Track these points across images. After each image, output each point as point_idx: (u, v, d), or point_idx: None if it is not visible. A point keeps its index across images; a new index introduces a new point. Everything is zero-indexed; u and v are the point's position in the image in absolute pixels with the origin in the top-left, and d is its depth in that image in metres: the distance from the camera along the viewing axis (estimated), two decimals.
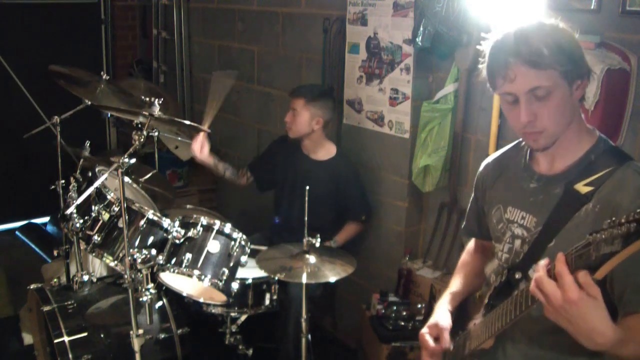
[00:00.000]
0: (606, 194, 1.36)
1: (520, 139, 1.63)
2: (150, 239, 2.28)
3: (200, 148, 3.02)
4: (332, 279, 2.29)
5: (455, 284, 1.80)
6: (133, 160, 2.06)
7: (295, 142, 3.12)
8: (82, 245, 2.53)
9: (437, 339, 1.63)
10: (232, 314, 2.65)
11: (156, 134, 3.18)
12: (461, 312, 1.73)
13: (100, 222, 2.30)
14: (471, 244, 1.91)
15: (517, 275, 1.49)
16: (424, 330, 1.67)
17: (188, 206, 3.39)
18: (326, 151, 3.09)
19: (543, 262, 1.20)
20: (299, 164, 3.12)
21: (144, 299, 2.14)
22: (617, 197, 1.34)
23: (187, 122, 2.59)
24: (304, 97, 3.00)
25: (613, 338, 1.17)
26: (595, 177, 1.39)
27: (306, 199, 2.34)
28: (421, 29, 2.68)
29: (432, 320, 1.68)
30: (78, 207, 2.28)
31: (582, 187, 1.40)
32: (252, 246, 2.47)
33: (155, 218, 2.29)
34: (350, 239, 3.08)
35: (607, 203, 1.35)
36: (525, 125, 1.40)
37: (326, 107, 3.03)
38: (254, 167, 3.35)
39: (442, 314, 1.68)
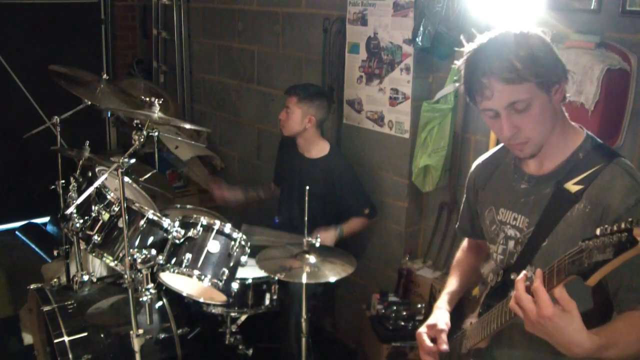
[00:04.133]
0: (596, 194, 1.37)
1: None
2: (150, 239, 2.28)
3: (222, 196, 3.30)
4: (332, 279, 2.29)
5: (452, 283, 1.81)
6: (133, 160, 2.06)
7: (292, 142, 3.14)
8: (82, 245, 2.53)
9: (434, 340, 1.64)
10: (232, 314, 2.65)
11: (156, 134, 3.18)
12: (457, 311, 1.74)
13: (100, 222, 2.30)
14: (465, 242, 1.92)
15: (513, 276, 1.50)
16: (422, 329, 1.67)
17: (188, 206, 3.38)
18: (319, 149, 3.10)
19: (521, 277, 1.24)
20: (295, 162, 3.15)
21: (144, 299, 2.14)
22: (606, 197, 1.36)
23: (187, 126, 2.59)
24: (297, 95, 3.03)
25: (591, 347, 1.20)
26: (584, 175, 1.41)
27: (306, 198, 2.34)
28: (421, 29, 2.69)
29: (430, 320, 1.68)
30: (78, 207, 2.28)
31: (571, 186, 1.41)
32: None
33: (155, 218, 2.29)
34: (357, 231, 3.05)
35: (597, 203, 1.36)
36: (509, 137, 1.41)
37: (319, 106, 3.03)
38: (276, 179, 3.45)
39: (441, 316, 1.68)
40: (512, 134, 1.40)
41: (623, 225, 1.01)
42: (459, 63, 1.45)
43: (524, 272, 1.25)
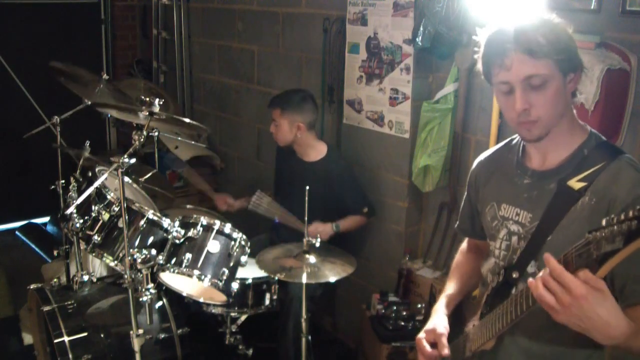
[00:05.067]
0: (602, 187, 1.37)
1: (512, 137, 1.64)
2: (150, 239, 2.28)
3: (228, 207, 3.39)
4: (332, 279, 2.29)
5: (451, 286, 1.79)
6: (133, 160, 2.06)
7: (289, 148, 3.15)
8: (82, 245, 2.53)
9: (434, 345, 1.63)
10: (232, 314, 2.65)
11: (156, 134, 3.18)
12: (458, 313, 1.73)
13: (100, 222, 2.30)
14: (464, 244, 1.91)
15: (515, 275, 1.49)
16: (421, 335, 1.66)
17: (188, 206, 3.39)
18: (317, 152, 3.10)
19: (547, 256, 1.18)
20: (294, 166, 3.16)
21: (144, 299, 2.13)
22: (612, 189, 1.35)
23: (187, 120, 2.59)
24: (279, 107, 3.05)
25: (627, 330, 1.16)
26: (588, 173, 1.40)
27: (306, 199, 2.34)
28: (421, 29, 2.69)
29: (429, 325, 1.67)
30: (78, 207, 2.28)
31: (575, 183, 1.41)
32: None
33: (155, 218, 2.29)
34: (352, 229, 3.07)
35: (603, 196, 1.36)
36: (520, 114, 1.40)
37: (303, 111, 3.03)
38: (276, 187, 3.46)
39: (439, 319, 1.67)
40: (524, 109, 1.39)
41: (631, 213, 0.98)
42: (480, 35, 1.46)
43: (547, 253, 1.19)
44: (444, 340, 1.60)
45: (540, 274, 1.19)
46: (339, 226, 2.99)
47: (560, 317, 1.17)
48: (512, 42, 1.36)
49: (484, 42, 1.44)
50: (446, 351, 1.59)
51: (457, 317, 1.72)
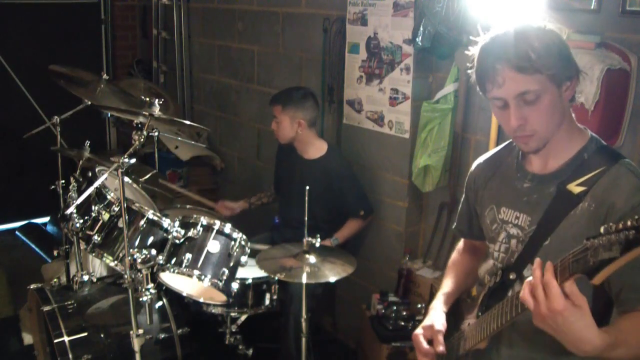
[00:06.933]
0: (600, 193, 1.37)
1: (512, 140, 1.64)
2: (150, 239, 2.28)
3: (230, 211, 3.36)
4: (332, 279, 2.29)
5: (447, 284, 1.80)
6: (133, 160, 2.06)
7: (290, 146, 3.16)
8: (82, 245, 2.53)
9: (430, 341, 1.63)
10: (232, 314, 2.65)
11: (156, 134, 3.19)
12: (454, 312, 1.74)
13: (100, 222, 2.30)
14: (461, 243, 1.91)
15: (512, 276, 1.50)
16: (418, 331, 1.66)
17: (188, 206, 3.39)
18: (317, 149, 3.10)
19: (536, 263, 1.20)
20: (294, 164, 3.16)
21: (144, 299, 2.14)
22: (611, 195, 1.35)
23: (187, 122, 2.59)
24: (280, 104, 3.06)
25: (600, 345, 1.18)
26: (587, 177, 1.40)
27: (306, 199, 2.34)
28: (421, 29, 2.69)
29: (426, 321, 1.67)
30: (78, 207, 2.28)
31: (574, 188, 1.41)
32: (255, 245, 2.48)
33: (155, 218, 2.29)
34: (352, 235, 3.07)
35: (602, 202, 1.36)
36: (516, 129, 1.40)
37: (304, 108, 3.05)
38: (276, 184, 3.48)
39: (437, 316, 1.67)
40: (519, 125, 1.39)
41: (629, 223, 0.98)
42: (472, 50, 1.45)
43: (537, 259, 1.21)
44: (440, 337, 1.61)
45: (531, 277, 1.20)
46: (338, 239, 3.00)
47: (536, 322, 1.20)
48: (502, 59, 1.35)
49: (476, 56, 1.43)
50: (441, 348, 1.59)
51: (455, 315, 1.72)
